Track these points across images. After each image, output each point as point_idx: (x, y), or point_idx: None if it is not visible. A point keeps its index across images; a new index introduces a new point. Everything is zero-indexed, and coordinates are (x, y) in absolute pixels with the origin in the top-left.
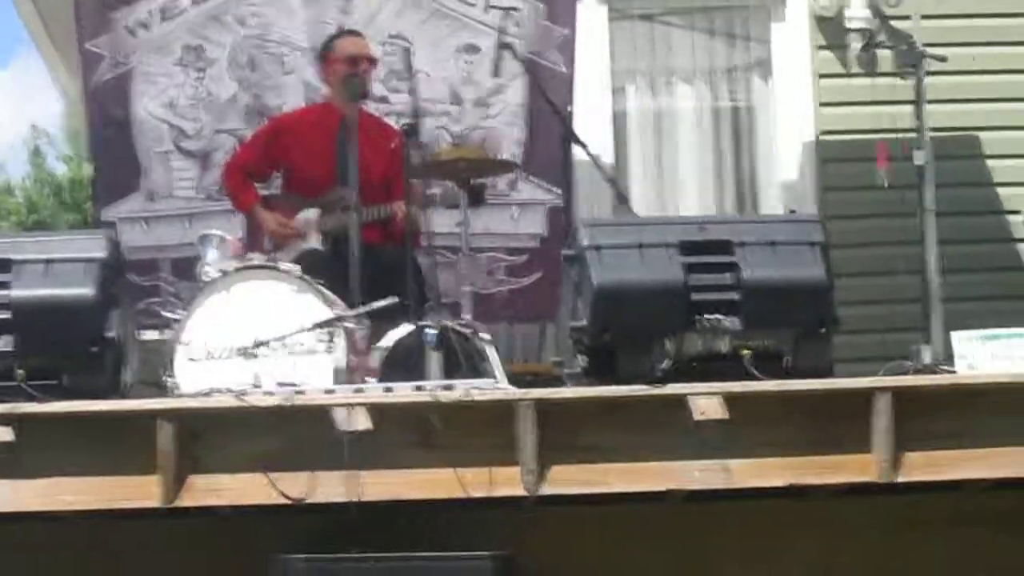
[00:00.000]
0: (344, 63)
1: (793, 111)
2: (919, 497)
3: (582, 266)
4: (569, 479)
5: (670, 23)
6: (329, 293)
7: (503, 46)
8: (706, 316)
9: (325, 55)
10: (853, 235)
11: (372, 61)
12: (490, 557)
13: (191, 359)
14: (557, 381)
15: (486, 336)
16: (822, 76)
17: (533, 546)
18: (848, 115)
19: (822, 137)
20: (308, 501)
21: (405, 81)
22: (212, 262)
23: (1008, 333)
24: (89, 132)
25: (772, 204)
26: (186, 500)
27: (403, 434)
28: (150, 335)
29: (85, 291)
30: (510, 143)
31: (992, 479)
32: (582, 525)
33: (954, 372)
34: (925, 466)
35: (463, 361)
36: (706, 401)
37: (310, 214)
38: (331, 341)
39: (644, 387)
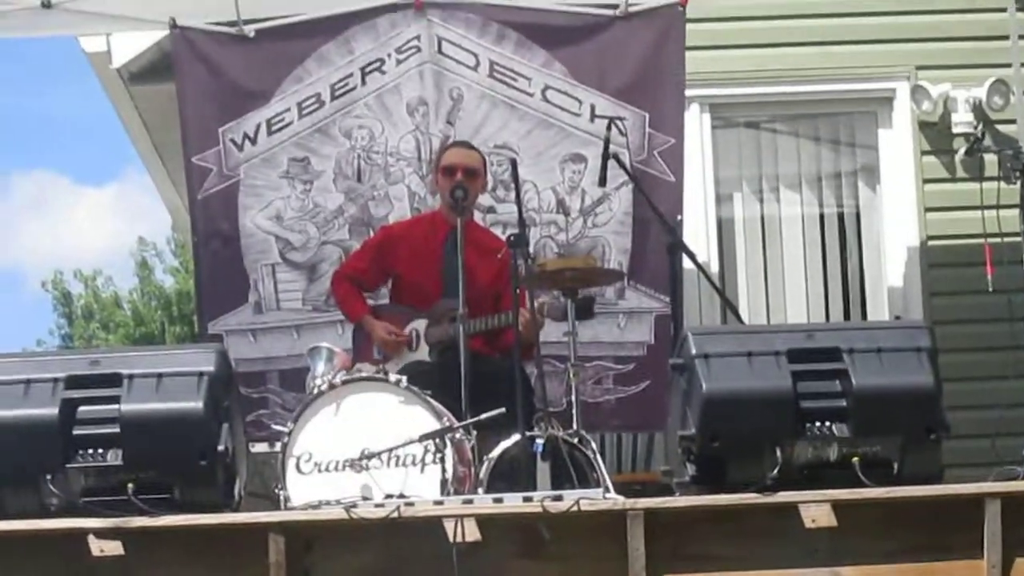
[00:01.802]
0: (443, 173)
1: (899, 216)
2: None
3: (691, 374)
4: None
5: (775, 130)
6: (437, 404)
7: (609, 155)
8: (815, 424)
9: (434, 166)
10: (961, 340)
11: (470, 172)
12: None
13: (301, 471)
14: (666, 490)
15: (594, 445)
16: (927, 181)
17: None
18: (954, 220)
19: (928, 242)
20: None
21: (511, 191)
22: (321, 374)
23: None
24: (195, 245)
25: (879, 310)
26: None
27: (512, 545)
28: (260, 447)
29: (196, 405)
30: (617, 252)
31: None
32: None
33: None
34: None
35: (572, 471)
36: (817, 509)
37: (418, 324)
38: (439, 452)
39: (754, 495)
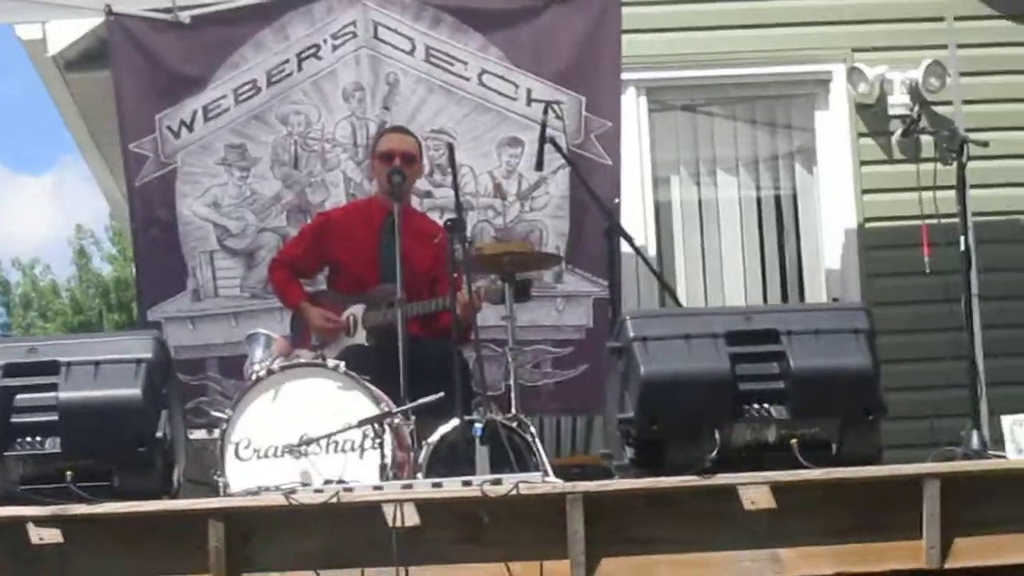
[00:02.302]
0: (379, 159)
1: (836, 198)
2: None
3: (629, 358)
4: (620, 572)
5: (712, 113)
6: (376, 389)
7: (546, 139)
8: (753, 406)
9: (371, 151)
10: (899, 321)
11: (407, 158)
12: None
13: (240, 458)
14: (605, 473)
15: (533, 429)
16: (864, 163)
17: None
18: (891, 201)
19: (866, 224)
20: None
21: (448, 175)
22: (259, 361)
23: None
24: (133, 232)
25: (817, 292)
26: None
27: (452, 530)
28: (199, 434)
29: (133, 392)
30: (554, 236)
31: None
32: None
33: (1003, 457)
34: (974, 552)
35: (511, 455)
36: (756, 491)
37: (356, 310)
38: (378, 437)
39: (693, 478)
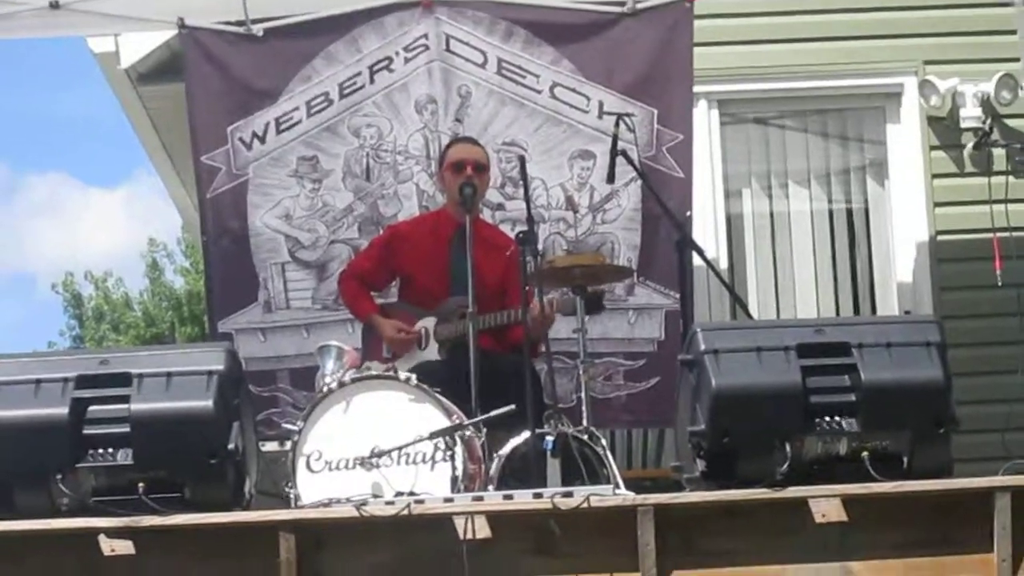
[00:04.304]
0: (450, 170)
1: (908, 211)
2: None
3: (700, 370)
4: None
5: (783, 125)
6: (447, 401)
7: (617, 152)
8: (824, 418)
9: (440, 162)
10: (970, 334)
11: (479, 167)
12: None
13: (311, 470)
14: (676, 486)
15: (604, 442)
16: (936, 176)
17: None
18: (963, 214)
19: (937, 237)
20: None
21: (520, 188)
22: (331, 372)
23: None
24: (204, 244)
25: (888, 305)
26: None
27: (522, 542)
28: (270, 446)
29: (205, 403)
30: (626, 248)
31: None
32: None
33: None
34: None
35: (582, 467)
36: (827, 503)
37: (427, 322)
38: (450, 450)
39: (764, 490)
